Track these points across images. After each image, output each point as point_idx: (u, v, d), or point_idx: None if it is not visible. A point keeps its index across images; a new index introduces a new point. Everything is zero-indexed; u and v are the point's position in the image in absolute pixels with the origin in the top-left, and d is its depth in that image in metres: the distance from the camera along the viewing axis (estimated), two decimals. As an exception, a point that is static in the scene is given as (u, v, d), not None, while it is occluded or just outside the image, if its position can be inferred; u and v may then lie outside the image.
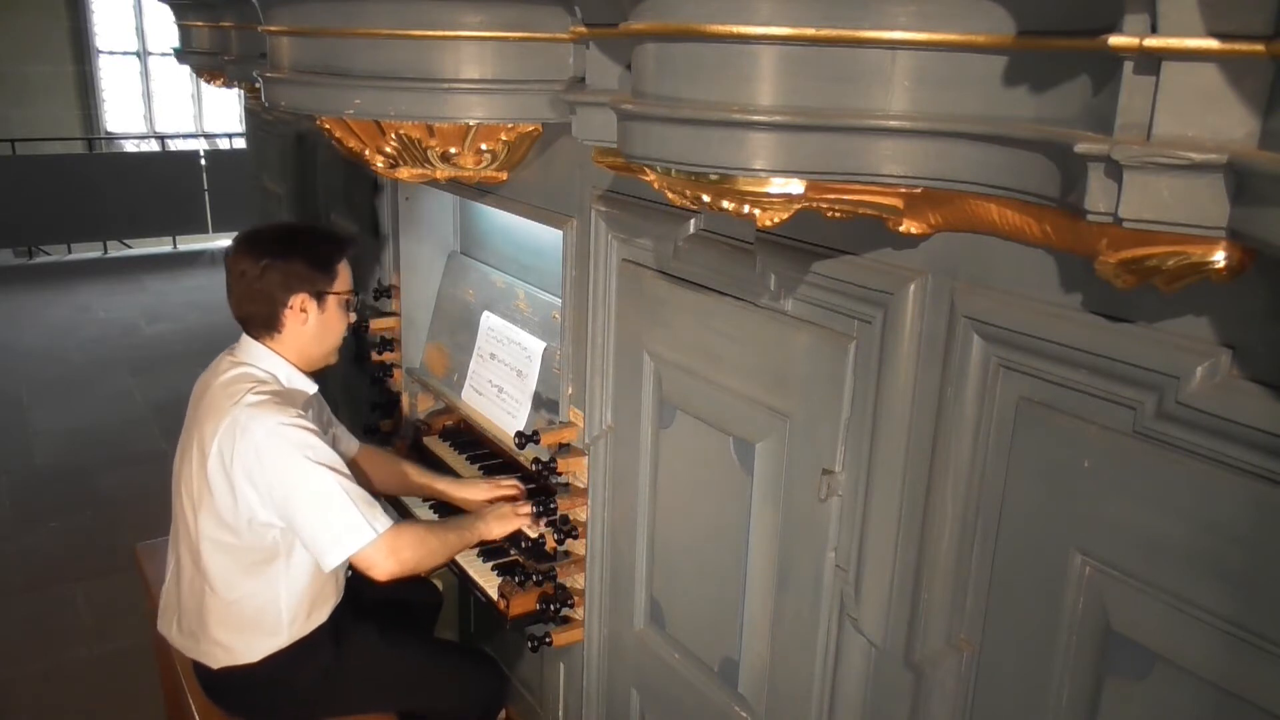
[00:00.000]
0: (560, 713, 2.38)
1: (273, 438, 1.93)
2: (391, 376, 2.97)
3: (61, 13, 10.07)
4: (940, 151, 1.05)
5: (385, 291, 2.92)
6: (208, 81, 3.63)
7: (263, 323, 2.10)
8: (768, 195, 1.11)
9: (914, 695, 1.39)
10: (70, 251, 9.04)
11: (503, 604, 2.19)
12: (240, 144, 9.49)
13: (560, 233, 2.01)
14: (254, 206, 4.44)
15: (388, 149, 1.92)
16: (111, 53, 10.61)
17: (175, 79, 10.82)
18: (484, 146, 1.94)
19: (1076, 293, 1.11)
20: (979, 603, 1.28)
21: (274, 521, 1.98)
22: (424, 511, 2.57)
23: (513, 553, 2.38)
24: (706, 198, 1.17)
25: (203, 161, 9.16)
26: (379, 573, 1.99)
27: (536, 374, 2.42)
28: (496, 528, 2.23)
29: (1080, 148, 0.84)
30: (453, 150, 1.93)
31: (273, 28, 1.90)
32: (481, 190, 2.29)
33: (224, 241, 9.30)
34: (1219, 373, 0.99)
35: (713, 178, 1.13)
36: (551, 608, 2.17)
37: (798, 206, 1.14)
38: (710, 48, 1.08)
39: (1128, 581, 1.09)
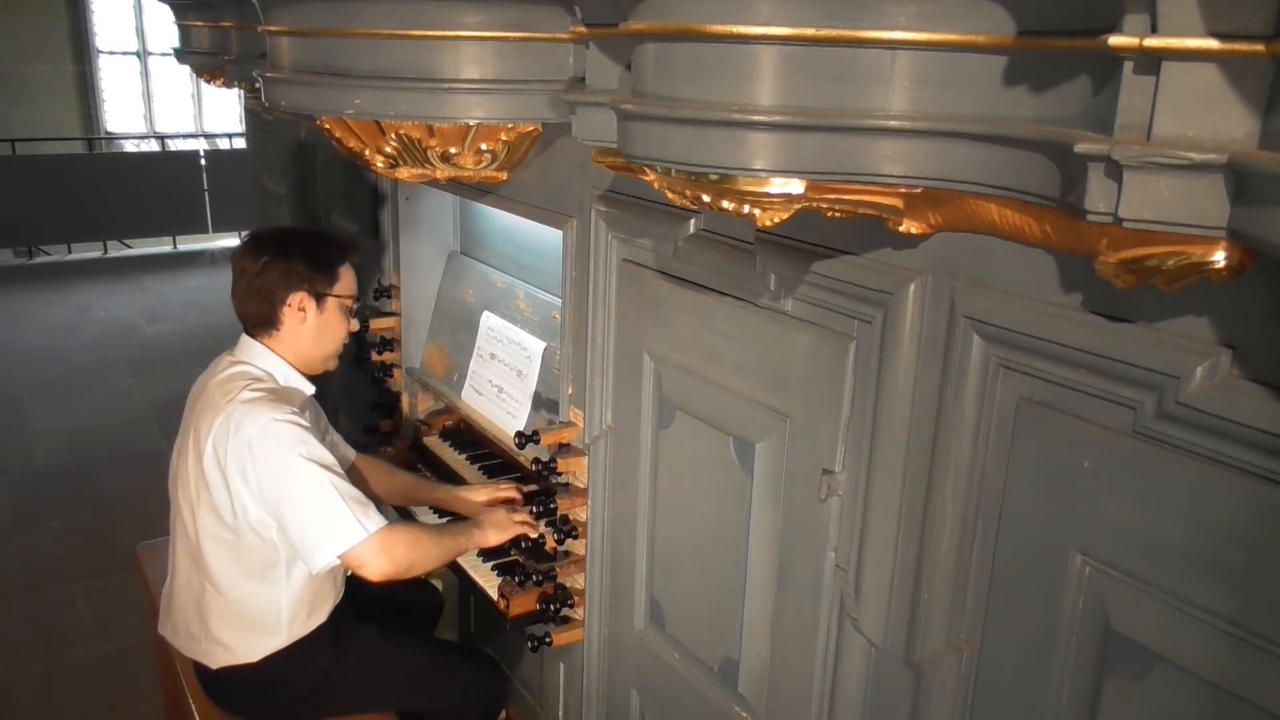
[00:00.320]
0: (560, 713, 2.38)
1: (265, 434, 1.93)
2: (391, 376, 2.97)
3: (61, 13, 10.07)
4: (940, 151, 1.05)
5: (385, 291, 2.92)
6: (208, 81, 3.63)
7: (262, 320, 2.10)
8: (768, 195, 1.11)
9: (914, 695, 1.39)
10: (70, 251, 9.04)
11: (503, 604, 2.19)
12: (240, 144, 9.49)
13: (560, 233, 2.01)
14: (254, 206, 4.44)
15: (388, 149, 1.92)
16: (111, 53, 10.61)
17: (175, 79, 10.82)
18: (484, 146, 1.94)
19: (1076, 293, 1.11)
20: (979, 603, 1.28)
21: (268, 520, 1.98)
22: (429, 517, 2.57)
23: (513, 553, 2.38)
24: (706, 198, 1.17)
25: (203, 161, 9.16)
26: (370, 572, 1.98)
27: (536, 374, 2.42)
28: (494, 535, 2.22)
29: (1080, 148, 0.84)
30: (453, 150, 1.93)
31: (273, 28, 1.90)
32: (481, 190, 2.29)
33: (224, 241, 9.32)
34: (1219, 373, 0.99)
35: (713, 178, 1.13)
36: (551, 608, 2.17)
37: (798, 206, 1.14)
38: (710, 48, 1.08)
39: (1128, 581, 1.09)
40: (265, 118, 3.80)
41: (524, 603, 2.18)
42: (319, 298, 2.11)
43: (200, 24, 3.36)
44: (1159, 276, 0.89)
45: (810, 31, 1.01)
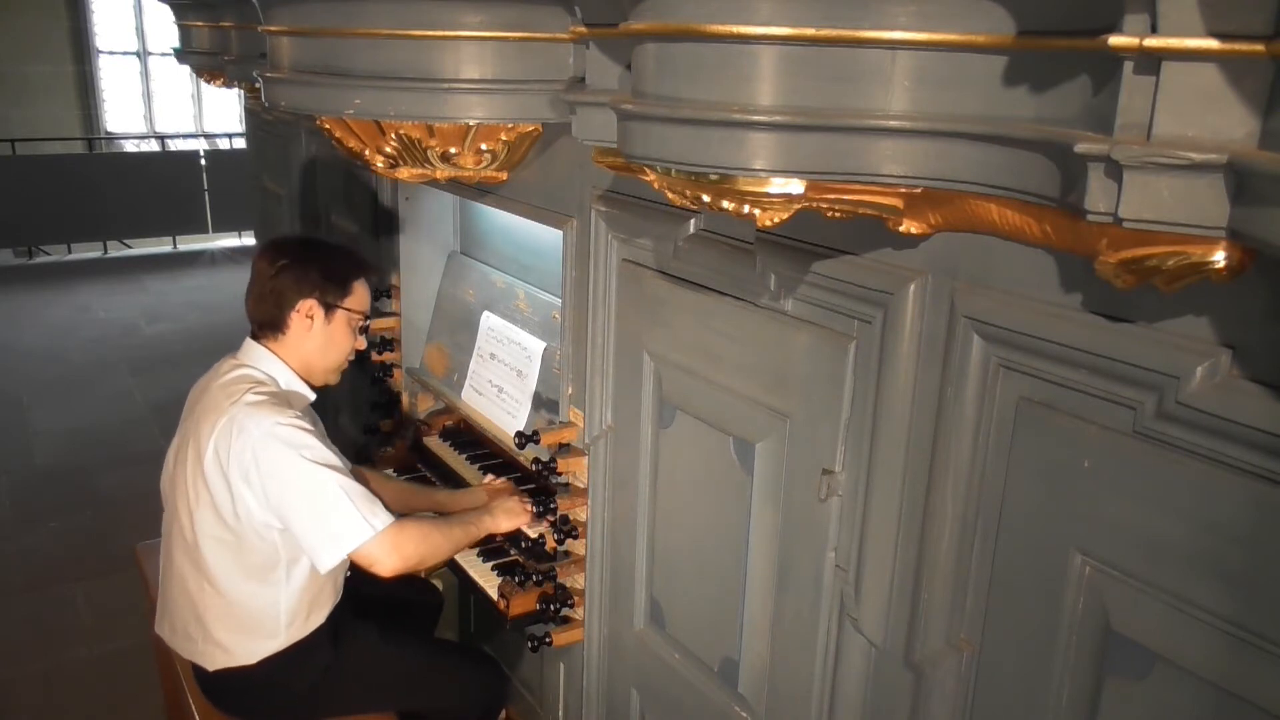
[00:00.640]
0: (560, 713, 2.38)
1: (269, 438, 1.93)
2: (391, 376, 2.97)
3: (61, 13, 10.07)
4: (940, 151, 1.05)
5: (385, 291, 2.92)
6: (208, 81, 3.63)
7: (270, 323, 2.10)
8: (768, 195, 1.11)
9: (914, 695, 1.39)
10: (70, 251, 9.04)
11: (503, 604, 2.19)
12: (240, 144, 9.49)
13: (560, 233, 2.01)
14: (254, 206, 4.44)
15: (388, 149, 1.92)
16: (111, 53, 10.60)
17: (175, 79, 10.81)
18: (484, 146, 1.94)
19: (1076, 293, 1.11)
20: (979, 603, 1.28)
21: (272, 523, 1.98)
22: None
23: (513, 553, 2.38)
24: (706, 198, 1.17)
25: (203, 161, 9.16)
26: (382, 569, 1.99)
27: (536, 374, 2.42)
28: (504, 521, 2.23)
29: (1080, 148, 0.84)
30: (453, 150, 1.93)
31: (273, 28, 1.90)
32: (481, 190, 2.29)
33: (224, 242, 9.33)
34: (1219, 373, 0.99)
35: (713, 178, 1.13)
36: (551, 608, 2.17)
37: (798, 206, 1.14)
38: (710, 48, 1.08)
39: (1128, 581, 1.09)
40: (265, 118, 3.80)
41: (524, 603, 2.18)
42: (328, 308, 2.11)
43: (200, 24, 3.36)
44: (1159, 276, 0.89)
45: (810, 31, 1.01)
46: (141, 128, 10.95)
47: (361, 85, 1.76)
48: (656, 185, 1.26)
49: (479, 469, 2.63)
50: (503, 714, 2.60)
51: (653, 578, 1.94)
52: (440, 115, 1.79)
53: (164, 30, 10.17)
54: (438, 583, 2.72)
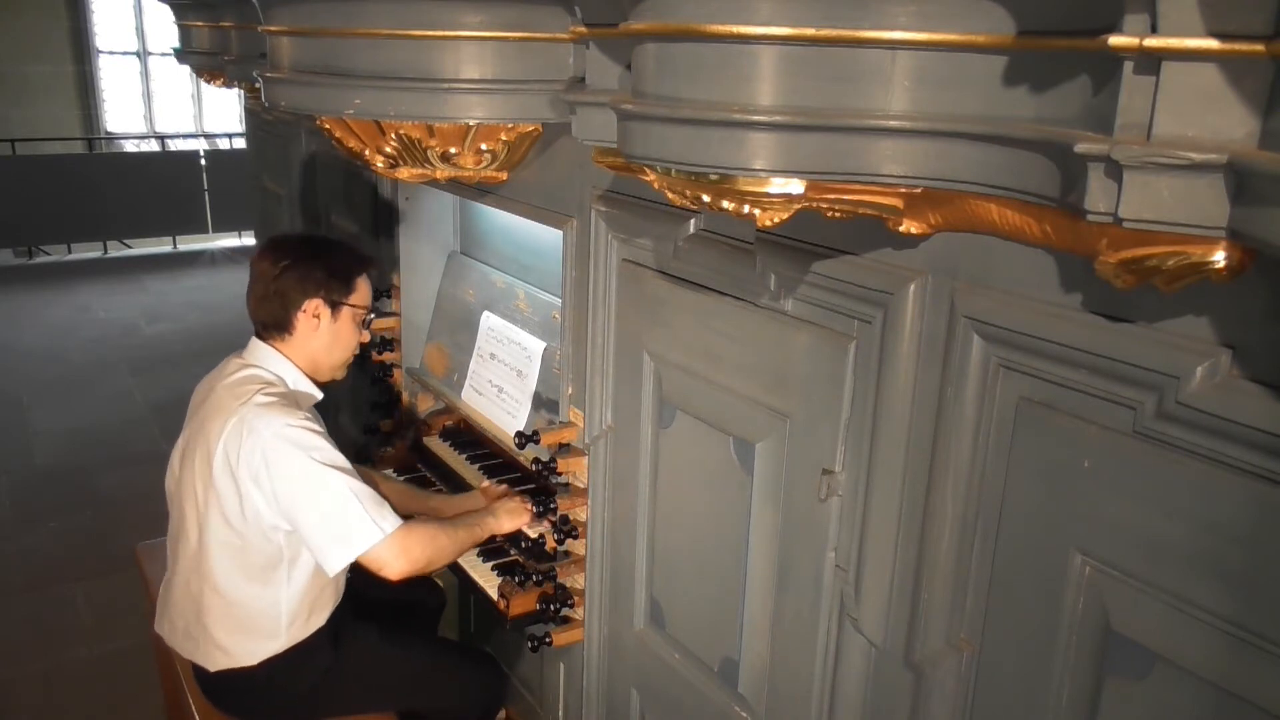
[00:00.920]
0: (560, 713, 2.38)
1: (279, 439, 1.93)
2: (391, 376, 2.97)
3: (61, 13, 10.07)
4: (940, 151, 1.05)
5: (385, 291, 2.92)
6: (208, 81, 3.63)
7: (275, 324, 2.10)
8: (768, 195, 1.11)
9: (914, 695, 1.39)
10: (70, 251, 9.04)
11: (503, 604, 2.19)
12: (240, 144, 9.49)
13: (560, 233, 2.01)
14: (254, 206, 4.44)
15: (388, 149, 1.92)
16: (111, 53, 10.60)
17: (175, 79, 10.81)
18: (484, 146, 1.94)
19: (1076, 293, 1.11)
20: (979, 603, 1.28)
21: (280, 524, 1.98)
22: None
23: (513, 553, 2.38)
24: (706, 198, 1.17)
25: (203, 161, 9.16)
26: (390, 572, 1.99)
27: (536, 374, 2.42)
28: (507, 522, 2.24)
29: (1080, 148, 0.84)
30: (453, 150, 1.93)
31: (273, 28, 1.90)
32: (481, 190, 2.29)
33: (224, 242, 9.32)
34: (1219, 373, 0.99)
35: (713, 178, 1.13)
36: (551, 608, 2.17)
37: (798, 206, 1.14)
38: (710, 48, 1.08)
39: (1128, 581, 1.09)
40: (265, 118, 3.80)
41: (524, 603, 2.18)
42: (334, 306, 2.11)
43: (200, 24, 3.36)
44: (1159, 276, 0.89)
45: (810, 31, 1.01)
46: (141, 128, 10.95)
47: (361, 85, 1.76)
48: (656, 185, 1.26)
49: (479, 469, 2.63)
50: (502, 713, 2.60)
51: (653, 578, 1.94)
52: (440, 115, 1.79)
53: (164, 30, 10.17)
54: (439, 581, 2.72)
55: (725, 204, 1.16)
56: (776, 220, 1.16)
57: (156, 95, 10.95)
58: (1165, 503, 1.04)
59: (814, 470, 1.48)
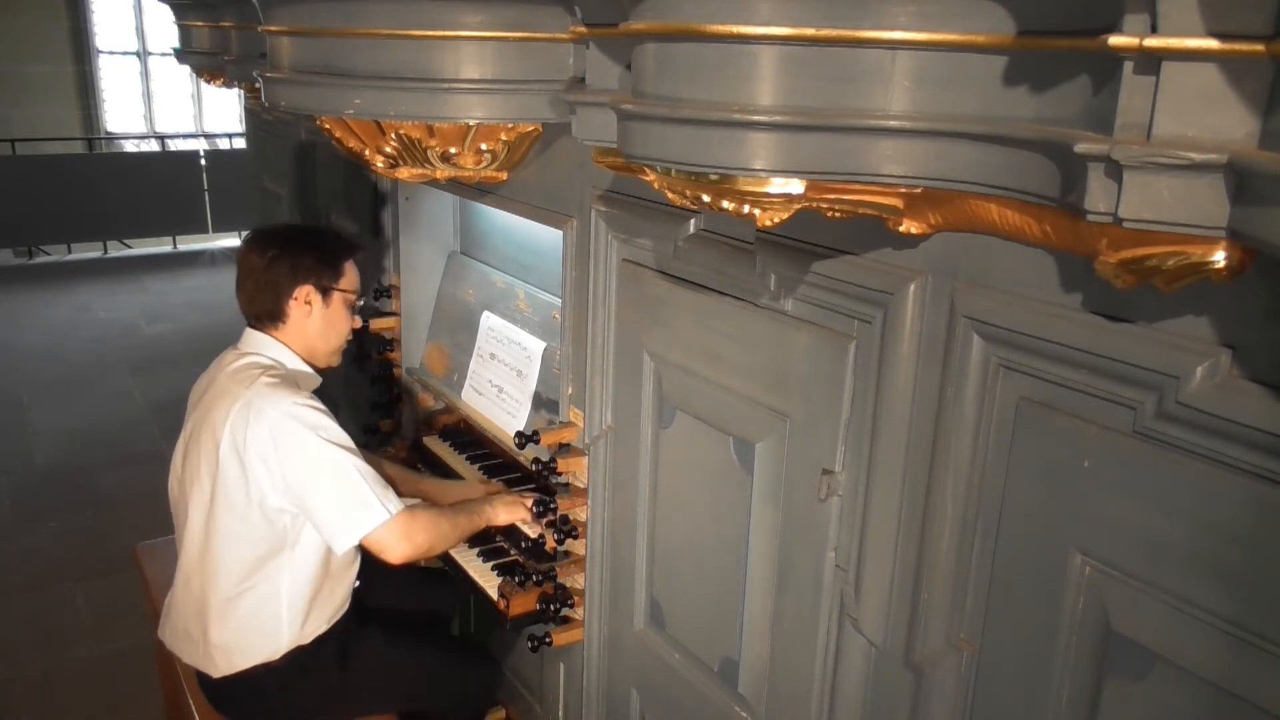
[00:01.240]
0: (560, 713, 2.38)
1: (286, 419, 1.95)
2: (391, 376, 2.97)
3: (61, 13, 10.07)
4: (940, 151, 1.05)
5: (385, 291, 2.92)
6: (208, 81, 3.63)
7: (269, 314, 2.13)
8: (768, 195, 1.11)
9: (914, 695, 1.39)
10: (70, 251, 9.04)
11: (503, 604, 2.19)
12: (240, 144, 9.48)
13: (560, 233, 2.01)
14: (254, 206, 4.44)
15: (388, 149, 1.92)
16: (111, 53, 10.60)
17: (175, 79, 10.81)
18: (484, 146, 1.94)
19: (1076, 293, 1.11)
20: (979, 603, 1.28)
21: (285, 506, 1.99)
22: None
23: (513, 553, 2.38)
24: (706, 198, 1.17)
25: (203, 161, 9.16)
26: (392, 555, 2.01)
27: (536, 374, 2.42)
28: (504, 514, 2.25)
29: (1080, 148, 0.84)
30: (453, 150, 1.93)
31: (273, 28, 1.90)
32: (481, 190, 2.29)
33: (224, 241, 9.32)
34: (1219, 373, 0.99)
35: (713, 178, 1.13)
36: (551, 608, 2.17)
37: (798, 206, 1.14)
38: (710, 48, 1.08)
39: (1128, 581, 1.09)
40: (265, 118, 3.80)
41: (524, 603, 2.18)
42: (325, 292, 2.15)
43: (200, 24, 3.36)
44: (1159, 276, 0.89)
45: (810, 31, 1.01)
46: (141, 128, 10.95)
47: (361, 85, 1.76)
48: (656, 185, 1.26)
49: (479, 469, 2.63)
50: (502, 713, 2.60)
51: (653, 578, 1.94)
52: (440, 115, 1.79)
53: (164, 30, 10.17)
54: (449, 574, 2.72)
55: (725, 204, 1.16)
56: (776, 220, 1.16)
57: (156, 95, 10.96)
58: (1165, 503, 1.04)
59: (814, 470, 1.48)
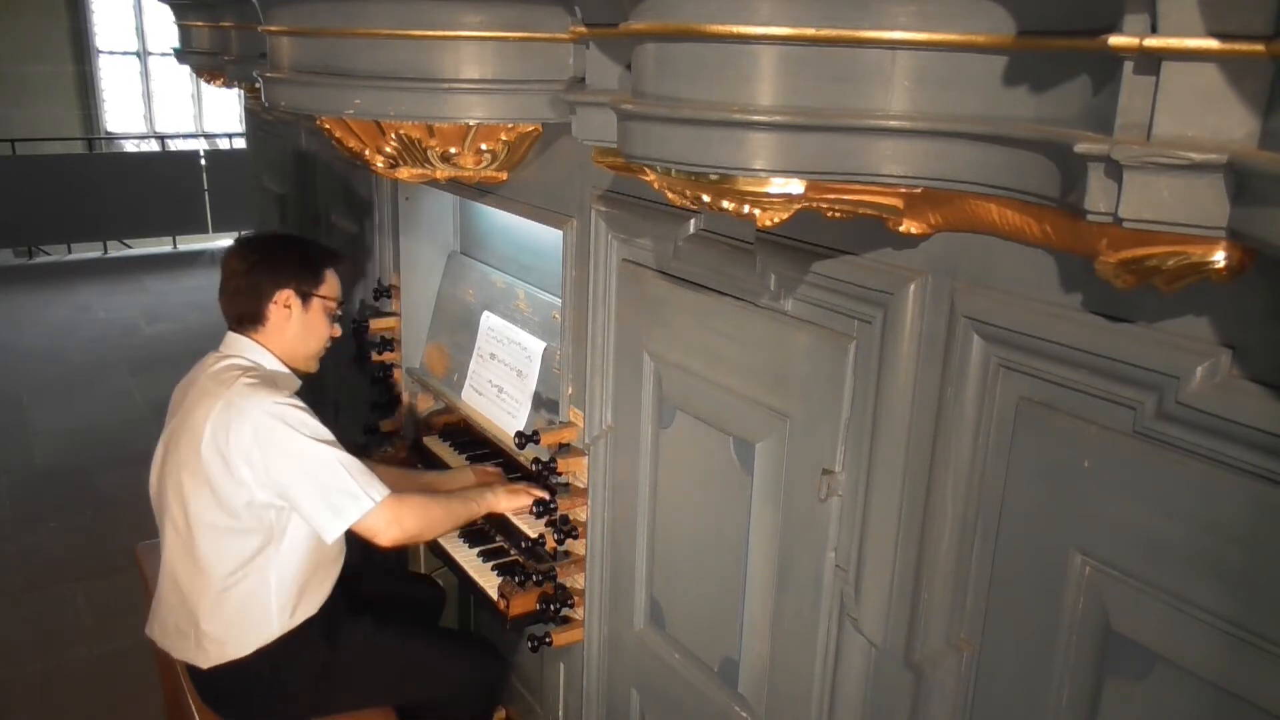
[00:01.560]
0: (560, 713, 2.38)
1: (268, 417, 1.99)
2: (391, 376, 2.97)
3: (61, 13, 10.07)
4: (940, 151, 1.05)
5: (385, 291, 2.92)
6: (208, 81, 3.63)
7: (249, 316, 2.18)
8: (768, 195, 1.11)
9: (914, 695, 1.39)
10: (70, 251, 9.03)
11: (503, 604, 2.19)
12: (240, 144, 9.48)
13: (560, 233, 2.01)
14: (254, 206, 4.44)
15: (388, 149, 1.92)
16: (111, 53, 10.61)
17: (175, 79, 10.82)
18: (484, 146, 1.94)
19: (1076, 293, 1.11)
20: (979, 603, 1.28)
21: (272, 501, 2.02)
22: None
23: (513, 553, 2.38)
24: (706, 198, 1.17)
25: (203, 161, 9.16)
26: (383, 539, 2.06)
27: (536, 374, 2.42)
28: (505, 500, 2.27)
29: (1080, 148, 0.84)
30: (453, 150, 1.93)
31: (273, 28, 1.90)
32: (481, 190, 2.29)
33: (224, 242, 9.30)
34: (1219, 373, 0.99)
35: (713, 178, 1.13)
36: (551, 608, 2.17)
37: (798, 206, 1.14)
38: (710, 48, 1.08)
39: (1128, 581, 1.09)
40: (265, 118, 3.80)
41: (524, 603, 2.18)
42: (304, 296, 2.20)
43: (200, 24, 3.36)
44: (1159, 276, 0.89)
45: (810, 31, 1.01)
46: (141, 128, 10.95)
47: (361, 85, 1.76)
48: (656, 185, 1.26)
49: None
50: (501, 712, 2.60)
51: (653, 578, 1.94)
52: (440, 115, 1.79)
53: (164, 30, 10.17)
54: (439, 578, 2.72)
55: (725, 204, 1.16)
56: (776, 220, 1.16)
57: (156, 95, 10.96)
58: (1165, 503, 1.04)
59: (814, 470, 1.48)
